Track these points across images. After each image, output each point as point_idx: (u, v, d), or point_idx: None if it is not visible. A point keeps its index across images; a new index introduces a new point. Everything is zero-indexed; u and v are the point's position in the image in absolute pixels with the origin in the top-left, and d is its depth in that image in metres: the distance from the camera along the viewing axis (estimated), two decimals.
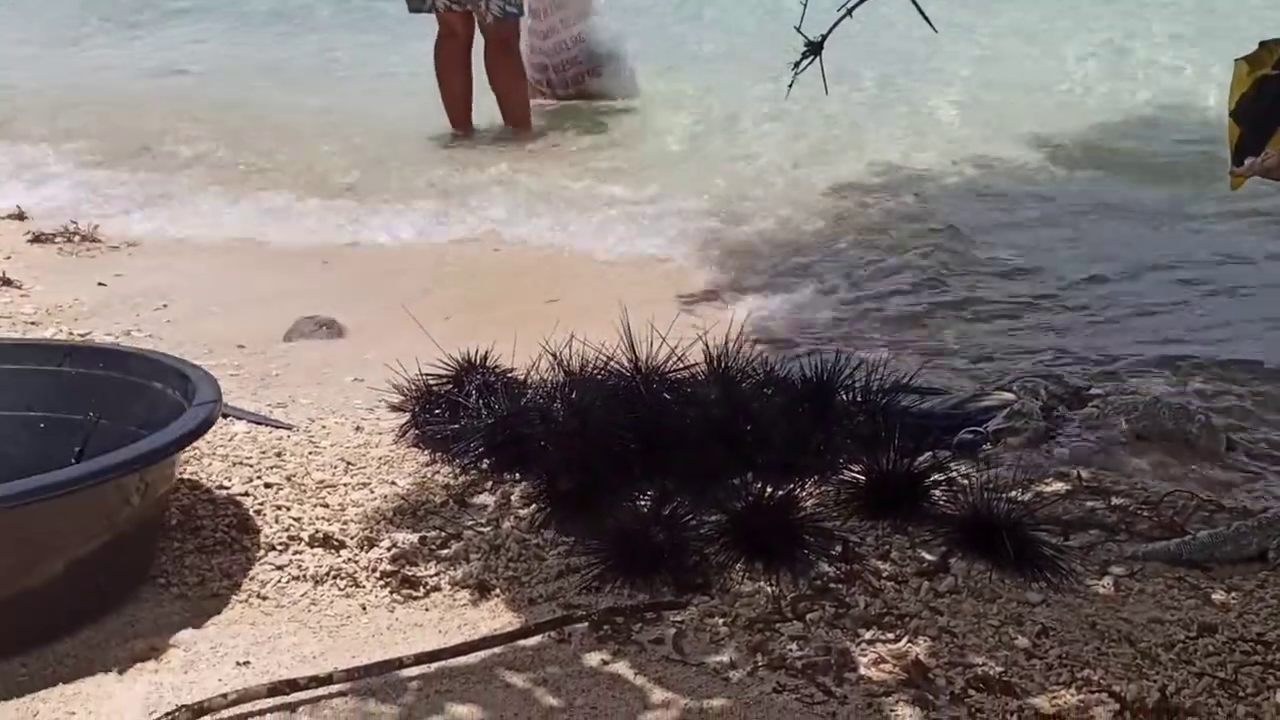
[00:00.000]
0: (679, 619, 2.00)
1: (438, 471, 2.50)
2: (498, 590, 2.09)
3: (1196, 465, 2.52)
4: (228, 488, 2.39)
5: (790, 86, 3.30)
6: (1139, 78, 6.19)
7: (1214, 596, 2.06)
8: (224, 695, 1.72)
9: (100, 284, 3.97)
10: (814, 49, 3.38)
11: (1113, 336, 3.28)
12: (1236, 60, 2.44)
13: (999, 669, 1.87)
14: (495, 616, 2.02)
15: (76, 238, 4.40)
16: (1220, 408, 2.77)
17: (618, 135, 5.79)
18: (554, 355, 2.72)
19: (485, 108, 5.78)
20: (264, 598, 2.07)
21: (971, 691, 1.82)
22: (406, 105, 6.23)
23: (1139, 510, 2.31)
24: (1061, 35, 7.14)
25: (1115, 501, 2.35)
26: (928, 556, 2.18)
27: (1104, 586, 2.10)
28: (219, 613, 2.02)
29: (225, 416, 2.73)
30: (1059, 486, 2.42)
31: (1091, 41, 7.00)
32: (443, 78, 5.65)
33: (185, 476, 2.41)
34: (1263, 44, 2.41)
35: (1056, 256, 3.91)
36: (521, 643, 1.92)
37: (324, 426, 2.72)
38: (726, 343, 2.67)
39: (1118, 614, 2.01)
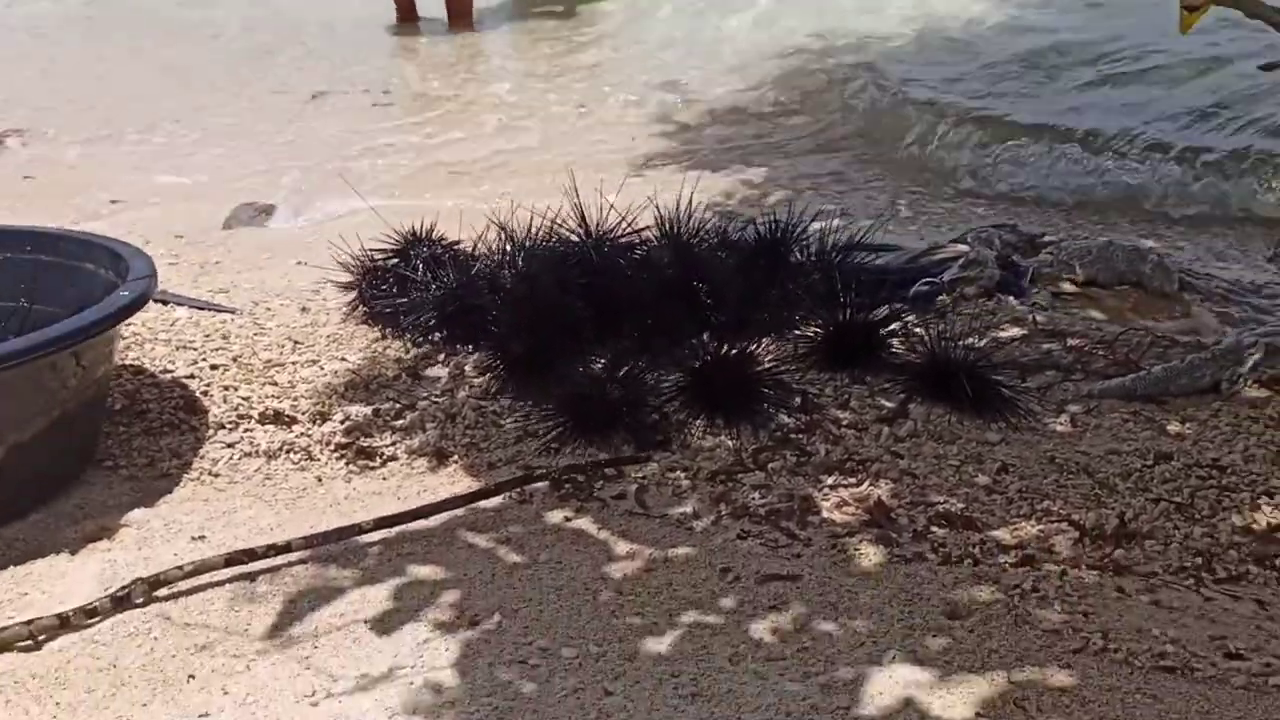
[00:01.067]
0: (641, 475, 1.99)
1: (389, 346, 2.45)
2: (455, 457, 2.07)
3: (1148, 305, 2.52)
4: (172, 371, 2.33)
5: None
6: None
7: (1169, 427, 2.07)
8: (180, 567, 1.69)
9: (27, 177, 3.83)
10: None
11: (1067, 177, 3.25)
12: None
13: (960, 505, 1.88)
14: (454, 482, 1.99)
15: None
16: (1173, 247, 2.76)
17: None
18: (501, 225, 2.66)
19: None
20: (216, 475, 2.02)
21: (934, 528, 1.83)
22: None
23: (1094, 350, 2.32)
24: None
25: (1071, 343, 2.35)
26: (887, 404, 2.18)
27: (1062, 424, 2.11)
28: (170, 492, 1.97)
29: (165, 303, 2.66)
30: (1015, 331, 2.42)
31: None
32: None
33: (128, 362, 2.34)
34: None
35: (1008, 104, 3.86)
36: (483, 504, 1.90)
37: (268, 309, 2.65)
38: (678, 207, 2.61)
39: (1075, 448, 2.02)
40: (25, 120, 4.42)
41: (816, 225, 2.74)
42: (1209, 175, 3.31)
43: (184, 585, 1.68)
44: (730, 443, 2.07)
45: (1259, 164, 3.31)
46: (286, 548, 1.74)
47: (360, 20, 5.87)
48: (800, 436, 2.09)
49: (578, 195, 2.57)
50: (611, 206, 2.58)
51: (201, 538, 1.83)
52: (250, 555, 1.72)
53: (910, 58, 4.53)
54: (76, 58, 5.58)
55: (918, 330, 2.40)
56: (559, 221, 2.59)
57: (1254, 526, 1.79)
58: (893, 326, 2.37)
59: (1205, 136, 3.52)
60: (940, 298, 2.56)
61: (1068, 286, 2.60)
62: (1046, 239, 2.77)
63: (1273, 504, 1.84)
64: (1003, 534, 1.81)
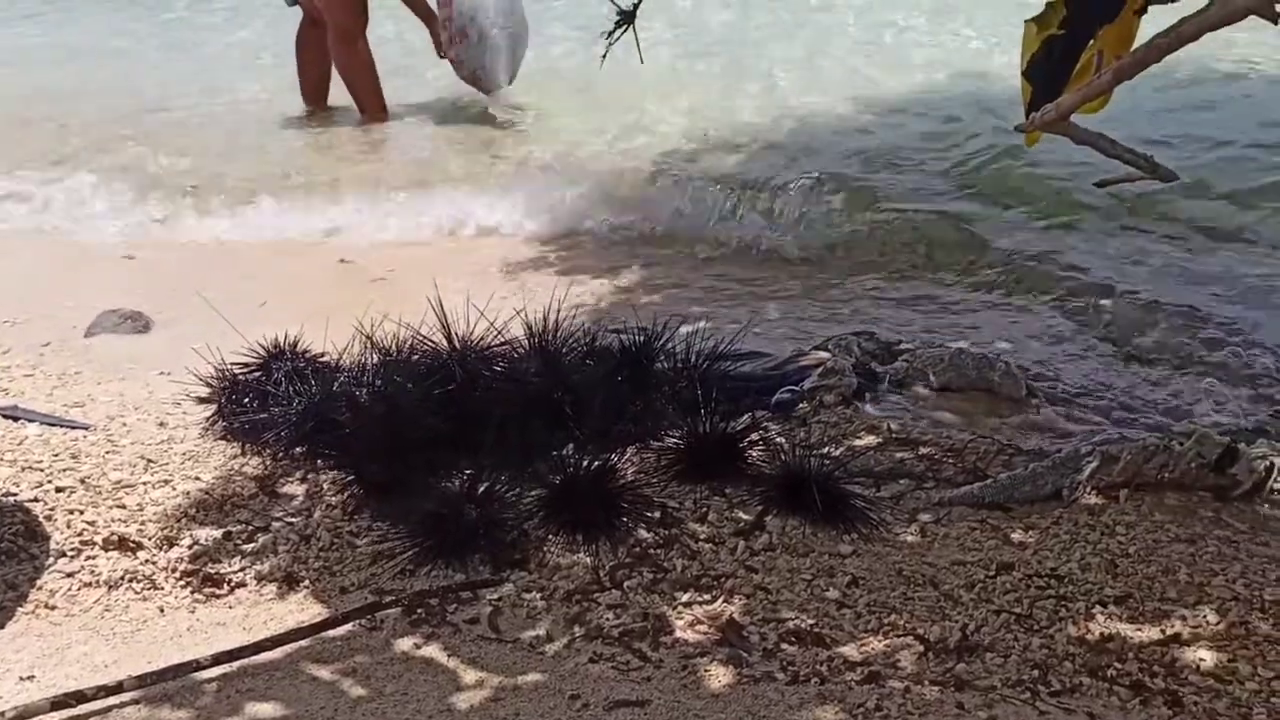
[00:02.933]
0: (495, 597, 1.97)
1: (246, 463, 2.41)
2: (307, 581, 2.03)
3: (1000, 412, 2.61)
4: (15, 494, 2.25)
5: (604, 56, 3.30)
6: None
7: (1013, 536, 2.13)
8: (1, 713, 1.62)
9: None
10: (627, 18, 3.38)
11: (924, 301, 3.37)
12: (1026, 21, 2.52)
13: (810, 621, 1.90)
14: (304, 609, 1.95)
15: None
16: (1020, 355, 2.87)
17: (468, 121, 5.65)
18: (367, 337, 2.66)
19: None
20: (52, 607, 1.95)
21: (784, 645, 1.85)
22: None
23: (945, 457, 2.39)
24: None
25: (923, 451, 2.41)
26: (744, 516, 2.21)
27: (912, 534, 2.16)
28: (2, 627, 1.89)
29: (15, 420, 2.58)
30: (870, 439, 2.48)
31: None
32: (299, 60, 5.78)
33: None
34: (1049, 5, 2.49)
35: (869, 210, 4.00)
36: (330, 634, 1.86)
37: (124, 424, 2.59)
38: (545, 316, 2.64)
39: (923, 559, 2.06)
40: None
41: (684, 330, 2.80)
42: None
43: None
44: (588, 560, 2.07)
45: None
46: (118, 688, 1.68)
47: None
48: (658, 552, 2.10)
49: (441, 306, 2.58)
50: (481, 314, 2.59)
51: (30, 678, 1.75)
52: (79, 698, 1.66)
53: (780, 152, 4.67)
54: None
55: (777, 440, 2.45)
56: (423, 334, 2.59)
57: (1087, 637, 1.85)
58: (753, 437, 2.41)
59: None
60: (800, 405, 2.62)
61: (923, 391, 2.68)
62: (903, 346, 2.86)
63: (1105, 613, 1.90)
64: (850, 650, 1.84)
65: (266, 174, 4.84)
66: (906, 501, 2.26)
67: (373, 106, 5.58)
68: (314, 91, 5.77)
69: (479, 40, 5.53)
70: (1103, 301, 3.25)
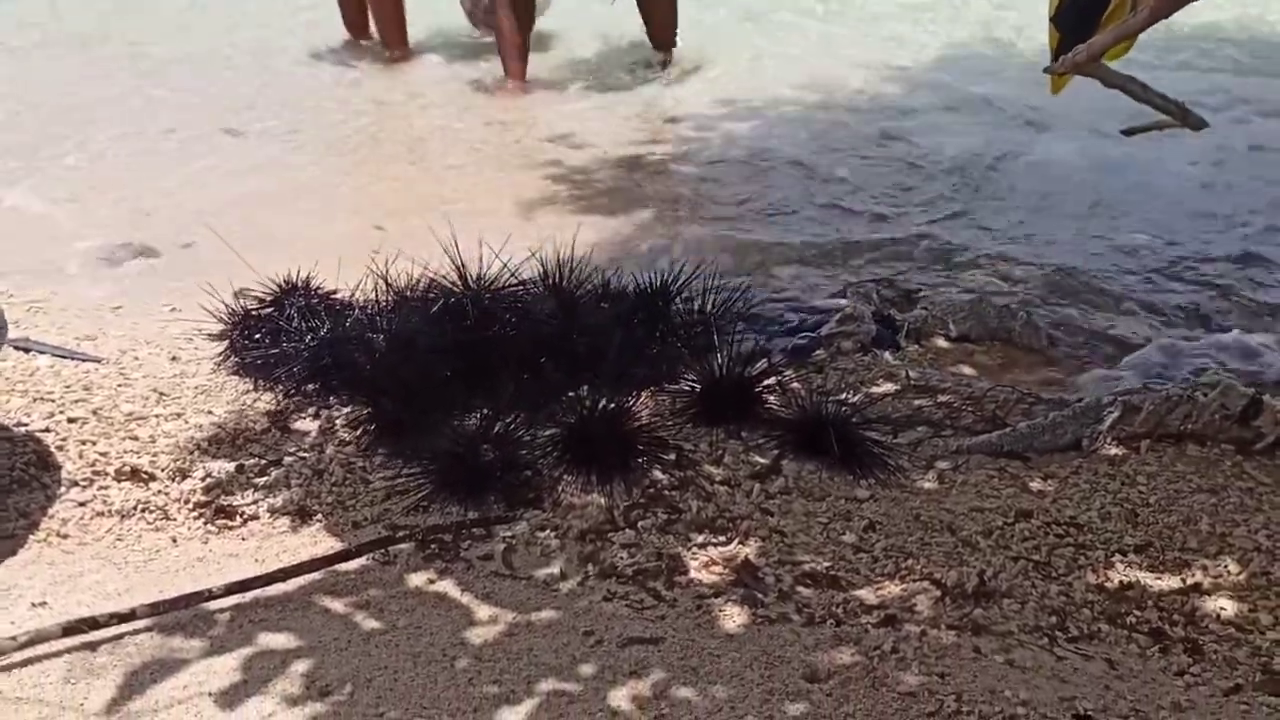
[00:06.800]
0: (509, 534, 1.96)
1: (258, 399, 2.39)
2: (320, 516, 2.02)
3: (1020, 361, 2.58)
4: (27, 424, 2.24)
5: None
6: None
7: (1031, 484, 2.11)
8: (13, 638, 1.61)
9: None
10: None
11: (943, 238, 3.32)
12: None
13: (826, 564, 1.89)
14: (316, 542, 1.94)
15: None
16: (1040, 301, 2.83)
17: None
18: (381, 275, 2.63)
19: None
20: (65, 536, 1.94)
21: (799, 588, 1.83)
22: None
23: (964, 406, 2.36)
24: None
25: (941, 399, 2.39)
26: (760, 460, 2.19)
27: (929, 480, 2.14)
28: (14, 554, 1.89)
29: (26, 350, 2.56)
30: (888, 387, 2.45)
31: None
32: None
33: None
34: None
35: (887, 173, 3.93)
36: (343, 567, 1.85)
37: (136, 358, 2.57)
38: (559, 256, 2.61)
39: (941, 505, 2.05)
40: None
41: (698, 276, 2.76)
42: None
43: (18, 657, 1.61)
44: (602, 500, 2.05)
45: None
46: (131, 615, 1.67)
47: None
48: (673, 494, 2.08)
49: (456, 244, 2.55)
50: (495, 255, 2.56)
51: (43, 604, 1.75)
52: (91, 624, 1.65)
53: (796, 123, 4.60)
54: None
55: (794, 385, 2.42)
56: (438, 272, 2.57)
57: (1106, 585, 1.83)
58: (769, 381, 2.38)
59: None
60: (817, 352, 2.59)
61: (941, 342, 2.65)
62: (922, 294, 2.82)
63: (1125, 562, 1.88)
64: (867, 594, 1.83)
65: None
66: (924, 449, 2.24)
67: (395, 41, 5.52)
68: (356, 22, 5.71)
69: None
70: (1128, 249, 3.20)
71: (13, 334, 2.66)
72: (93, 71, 5.23)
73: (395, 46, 5.52)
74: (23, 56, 5.56)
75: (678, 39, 5.30)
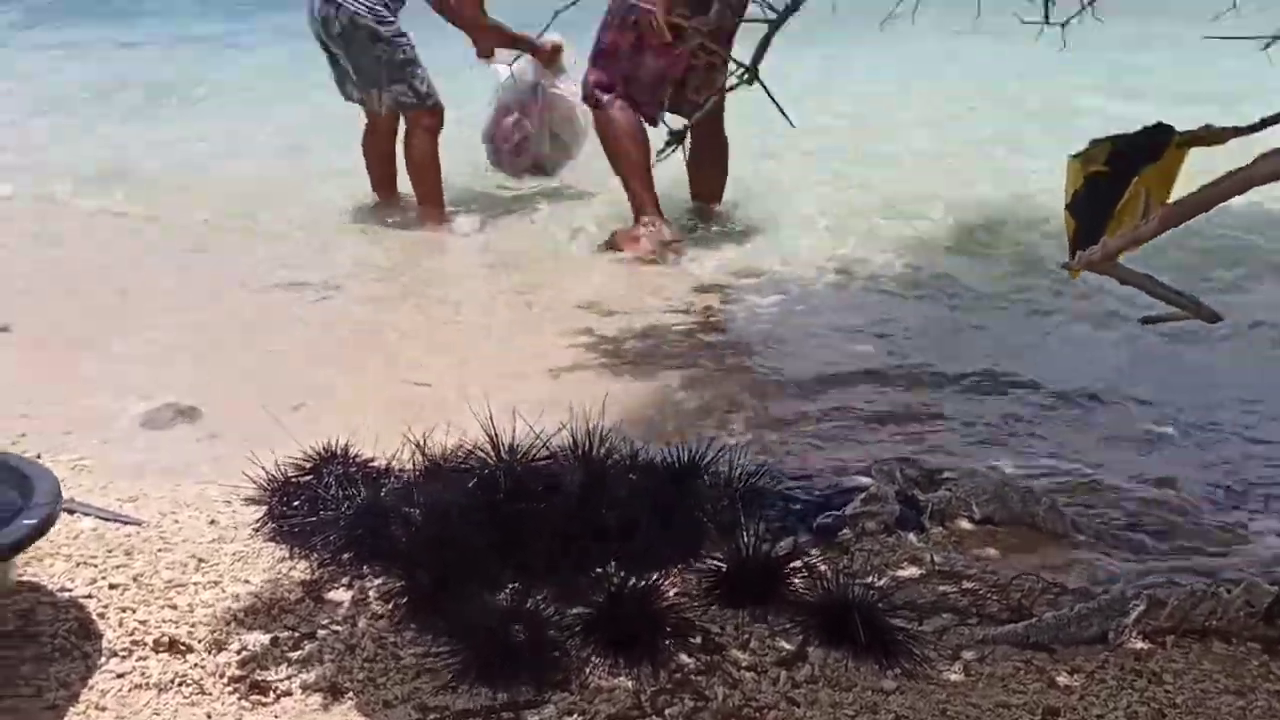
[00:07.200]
0: (537, 719, 1.98)
1: (294, 567, 2.44)
2: (351, 693, 2.04)
3: (1043, 547, 2.61)
4: (70, 590, 2.29)
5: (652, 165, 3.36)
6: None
7: (1058, 679, 2.12)
8: None
9: None
10: (677, 137, 3.49)
11: (969, 417, 3.38)
12: (1070, 157, 2.59)
13: None
14: None
15: None
16: (1065, 489, 2.87)
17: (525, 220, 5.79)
18: (417, 443, 2.71)
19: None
20: (103, 709, 1.98)
21: None
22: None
23: (988, 594, 2.38)
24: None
25: (966, 585, 2.41)
26: (786, 645, 2.21)
27: (955, 671, 2.15)
28: None
29: (71, 513, 2.63)
30: (913, 570, 2.48)
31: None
32: (366, 159, 5.99)
33: (25, 578, 2.30)
34: (1093, 142, 2.56)
35: (917, 347, 4.01)
36: None
37: (176, 521, 2.64)
38: (589, 426, 2.68)
39: (968, 700, 2.05)
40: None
41: (726, 449, 2.82)
42: None
43: None
44: (630, 684, 2.07)
45: None
46: None
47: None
48: (700, 679, 2.10)
49: (491, 417, 2.63)
50: (528, 425, 2.64)
51: None
52: None
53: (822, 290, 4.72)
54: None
55: (820, 566, 2.46)
56: (472, 442, 2.64)
57: None
58: (795, 564, 2.42)
59: None
60: (843, 531, 2.63)
61: (965, 524, 2.68)
62: (946, 474, 2.87)
63: None
64: None
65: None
66: (950, 637, 2.25)
67: (434, 202, 5.75)
68: (384, 184, 5.98)
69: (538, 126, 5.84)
70: (1157, 428, 3.25)
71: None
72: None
73: (430, 205, 5.74)
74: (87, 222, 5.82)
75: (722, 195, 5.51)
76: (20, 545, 1.92)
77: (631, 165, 5.28)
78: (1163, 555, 2.58)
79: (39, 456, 3.00)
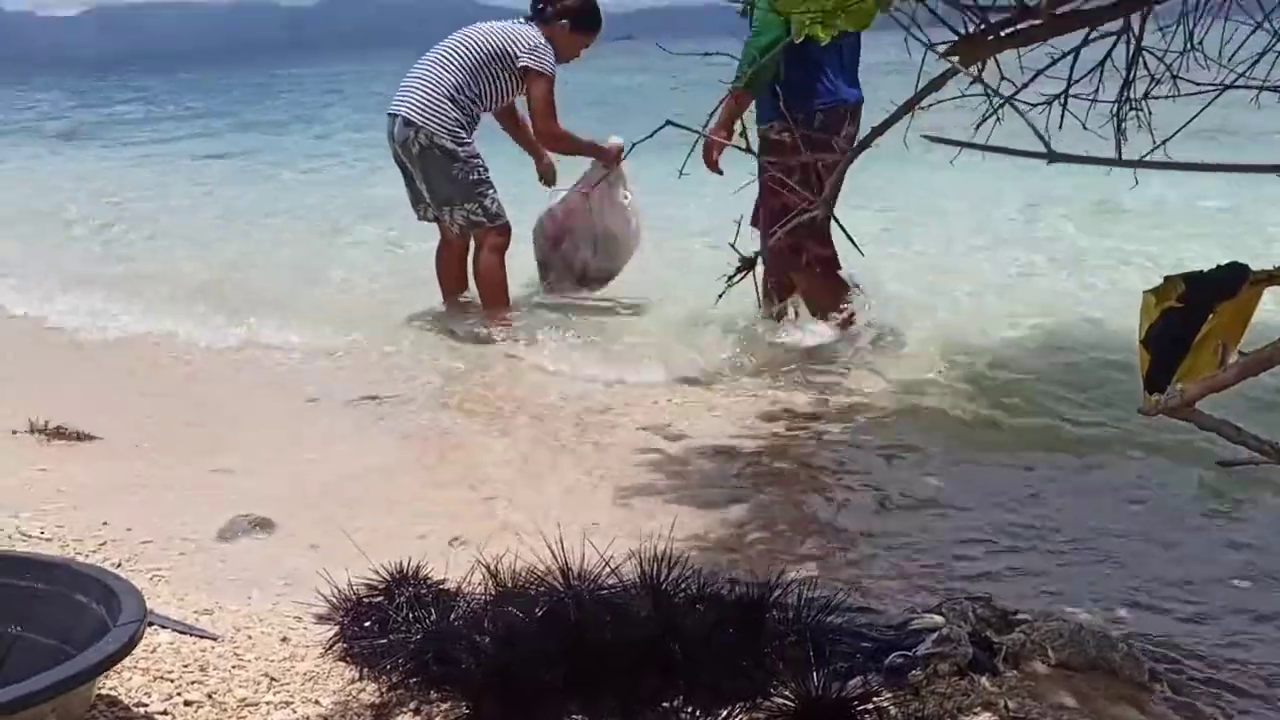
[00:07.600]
0: None
1: (363, 689, 2.46)
2: None
3: (1120, 695, 2.54)
4: (146, 705, 2.33)
5: (720, 296, 3.48)
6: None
7: None
8: None
9: (41, 469, 3.93)
10: (747, 264, 3.56)
11: (1038, 563, 3.33)
12: (1145, 292, 2.60)
13: None
14: None
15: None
16: (1142, 635, 2.80)
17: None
18: (488, 568, 2.73)
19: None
20: None
21: None
22: None
23: None
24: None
25: None
26: None
27: None
28: None
29: (150, 625, 2.68)
30: (986, 716, 2.43)
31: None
32: (439, 275, 6.26)
33: (103, 692, 2.34)
34: (1167, 278, 2.57)
35: (992, 481, 3.97)
36: None
37: (250, 637, 2.68)
38: (656, 554, 2.68)
39: None
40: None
41: (794, 582, 2.81)
42: None
43: None
44: None
45: None
46: None
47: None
48: None
49: (561, 543, 2.65)
50: (596, 551, 2.65)
51: None
52: None
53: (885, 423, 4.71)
54: None
55: (890, 709, 2.41)
56: (540, 570, 2.66)
57: None
58: (866, 706, 2.38)
59: None
60: (914, 672, 2.59)
61: (1040, 667, 2.63)
62: (1020, 616, 2.82)
63: None
64: None
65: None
66: None
67: (500, 317, 5.90)
68: (452, 294, 6.21)
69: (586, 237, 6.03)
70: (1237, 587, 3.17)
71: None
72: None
73: (497, 319, 5.88)
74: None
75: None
76: (106, 665, 1.97)
77: None
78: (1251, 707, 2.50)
79: (118, 565, 3.09)
